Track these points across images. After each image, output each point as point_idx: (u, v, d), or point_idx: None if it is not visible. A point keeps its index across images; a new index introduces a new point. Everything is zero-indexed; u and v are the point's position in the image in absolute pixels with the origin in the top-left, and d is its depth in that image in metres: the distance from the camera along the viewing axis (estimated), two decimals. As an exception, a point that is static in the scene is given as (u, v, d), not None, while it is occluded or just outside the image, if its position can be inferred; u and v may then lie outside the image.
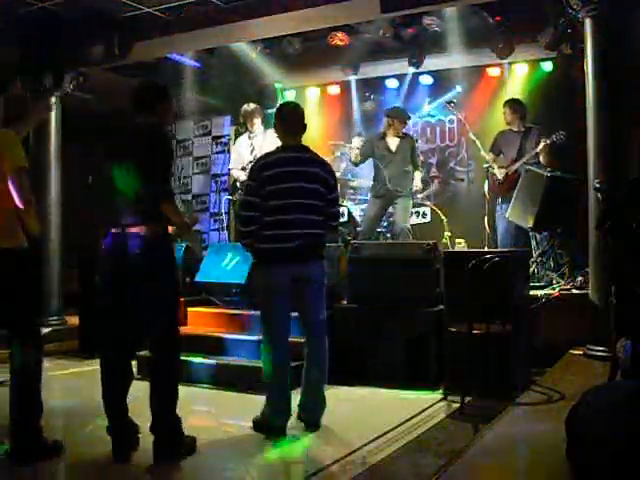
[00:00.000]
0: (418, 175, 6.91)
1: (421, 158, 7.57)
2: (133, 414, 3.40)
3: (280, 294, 3.72)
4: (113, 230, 3.38)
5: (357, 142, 7.07)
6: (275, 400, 3.73)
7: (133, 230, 3.32)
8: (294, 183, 3.70)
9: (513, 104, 6.71)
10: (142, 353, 4.47)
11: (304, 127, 3.89)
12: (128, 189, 3.33)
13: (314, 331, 3.86)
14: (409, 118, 7.13)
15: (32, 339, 3.37)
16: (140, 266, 3.31)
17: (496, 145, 6.75)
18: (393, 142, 6.85)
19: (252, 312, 5.32)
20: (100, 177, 3.52)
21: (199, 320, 5.73)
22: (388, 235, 7.30)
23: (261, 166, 3.75)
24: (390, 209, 6.89)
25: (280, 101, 9.21)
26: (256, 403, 3.85)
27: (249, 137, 6.78)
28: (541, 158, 6.31)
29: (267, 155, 3.87)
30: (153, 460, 3.23)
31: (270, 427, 3.70)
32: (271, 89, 9.11)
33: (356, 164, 7.06)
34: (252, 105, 6.80)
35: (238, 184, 6.68)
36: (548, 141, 6.17)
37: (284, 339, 3.76)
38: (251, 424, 3.80)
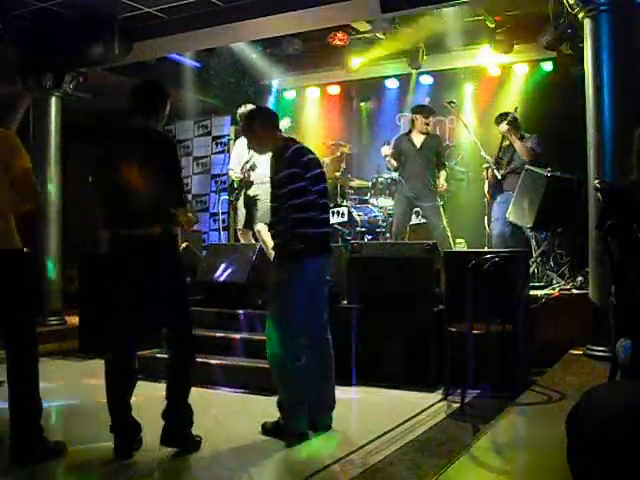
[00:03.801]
0: (443, 174, 6.85)
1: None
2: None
3: (309, 290, 3.66)
4: (120, 231, 3.40)
5: (386, 150, 6.96)
6: (300, 404, 3.62)
7: (142, 231, 3.34)
8: (320, 169, 3.76)
9: (505, 118, 6.49)
10: (143, 353, 4.47)
11: None
12: (136, 191, 3.33)
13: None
14: (433, 113, 7.02)
15: (28, 339, 3.35)
16: (152, 266, 3.34)
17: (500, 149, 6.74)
18: (418, 139, 6.82)
19: (251, 311, 5.37)
20: (101, 178, 3.51)
21: (198, 320, 5.72)
22: (388, 235, 7.31)
23: (297, 151, 3.64)
24: (421, 213, 6.90)
25: (280, 101, 9.25)
26: (255, 403, 3.85)
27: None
28: (518, 149, 6.31)
29: (290, 144, 3.72)
30: (160, 443, 3.30)
31: (295, 434, 3.59)
32: (271, 89, 9.13)
33: (396, 169, 6.97)
34: (249, 106, 6.78)
35: (236, 184, 6.68)
36: (524, 143, 6.24)
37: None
38: (249, 424, 3.77)
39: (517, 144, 6.32)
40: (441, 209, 6.71)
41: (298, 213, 3.52)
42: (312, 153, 3.76)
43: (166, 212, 3.42)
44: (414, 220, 7.11)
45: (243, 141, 6.86)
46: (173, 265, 3.48)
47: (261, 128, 3.79)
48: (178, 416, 3.40)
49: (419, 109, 6.89)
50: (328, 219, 3.84)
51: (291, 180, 3.53)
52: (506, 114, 6.50)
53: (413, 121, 6.87)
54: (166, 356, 3.56)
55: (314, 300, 3.69)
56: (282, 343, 3.56)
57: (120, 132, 3.61)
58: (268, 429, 3.68)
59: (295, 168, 3.56)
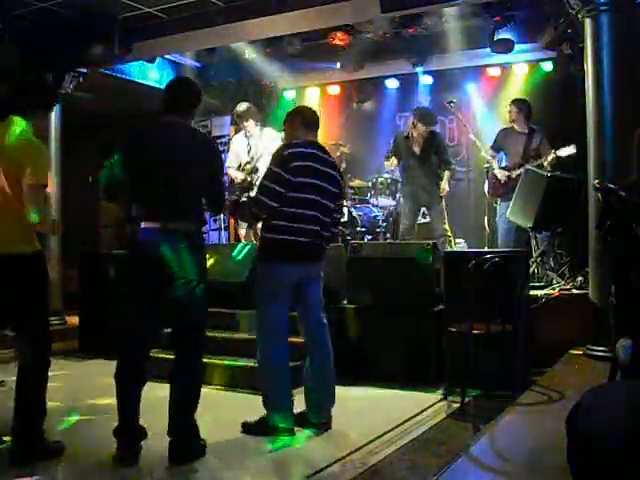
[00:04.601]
0: (446, 175, 6.71)
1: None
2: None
3: (286, 291, 3.69)
4: (149, 225, 3.27)
5: (388, 164, 6.92)
6: (281, 401, 3.67)
7: (176, 226, 3.27)
8: (319, 180, 3.68)
9: (519, 103, 6.63)
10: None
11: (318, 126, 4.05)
12: (180, 185, 3.29)
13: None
14: (435, 123, 6.85)
15: (41, 342, 3.35)
16: (182, 263, 3.27)
17: (497, 143, 6.72)
18: (417, 144, 6.66)
19: (251, 311, 5.34)
20: (138, 170, 3.33)
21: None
22: (388, 235, 7.31)
23: (291, 154, 3.62)
24: (425, 212, 6.91)
25: (280, 101, 9.26)
26: (255, 403, 3.85)
27: (246, 136, 6.76)
28: (545, 164, 6.24)
29: (296, 145, 3.72)
30: (168, 462, 3.22)
31: (276, 429, 3.64)
32: (271, 89, 9.12)
33: (396, 166, 6.92)
34: (244, 105, 6.75)
35: (237, 185, 6.68)
36: (557, 154, 6.11)
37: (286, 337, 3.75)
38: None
39: (549, 167, 6.19)
40: (444, 212, 6.70)
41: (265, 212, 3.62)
42: (312, 160, 3.69)
43: (202, 210, 3.47)
44: (418, 219, 7.10)
45: (240, 139, 6.87)
46: (201, 263, 3.44)
47: (296, 125, 3.88)
48: (186, 433, 3.30)
49: (422, 116, 6.64)
50: (305, 230, 3.64)
51: (267, 177, 3.63)
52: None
53: (413, 125, 6.68)
54: (170, 357, 3.44)
55: (300, 294, 3.74)
56: (261, 335, 3.71)
57: (162, 127, 3.45)
58: (250, 427, 3.70)
59: (279, 169, 3.59)
